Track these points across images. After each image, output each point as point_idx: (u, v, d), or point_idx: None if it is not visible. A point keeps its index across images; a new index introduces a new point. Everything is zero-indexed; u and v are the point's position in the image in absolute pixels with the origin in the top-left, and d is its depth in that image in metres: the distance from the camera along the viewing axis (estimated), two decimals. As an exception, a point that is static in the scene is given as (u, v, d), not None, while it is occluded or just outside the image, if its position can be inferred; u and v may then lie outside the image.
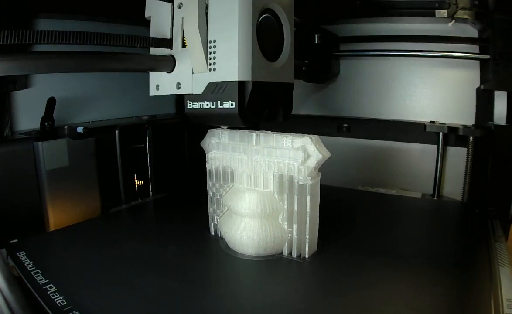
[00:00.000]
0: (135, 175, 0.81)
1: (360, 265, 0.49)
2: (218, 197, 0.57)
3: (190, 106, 0.49)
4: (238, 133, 0.53)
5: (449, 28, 0.82)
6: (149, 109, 0.93)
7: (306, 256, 0.50)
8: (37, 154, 0.63)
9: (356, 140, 0.98)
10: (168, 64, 0.50)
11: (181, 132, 0.91)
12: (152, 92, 0.54)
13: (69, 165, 0.67)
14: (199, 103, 0.48)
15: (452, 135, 0.85)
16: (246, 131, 0.53)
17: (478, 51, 0.81)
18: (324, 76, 0.96)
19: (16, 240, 0.54)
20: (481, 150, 0.80)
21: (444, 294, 0.43)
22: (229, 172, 0.55)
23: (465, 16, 0.78)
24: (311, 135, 0.49)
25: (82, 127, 0.70)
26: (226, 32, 0.45)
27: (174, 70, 0.50)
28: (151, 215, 0.75)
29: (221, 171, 0.56)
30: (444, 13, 0.79)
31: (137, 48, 0.46)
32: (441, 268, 0.48)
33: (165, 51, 0.50)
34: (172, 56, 0.50)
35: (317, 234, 0.51)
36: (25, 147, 0.62)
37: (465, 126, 0.82)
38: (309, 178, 0.48)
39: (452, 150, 0.87)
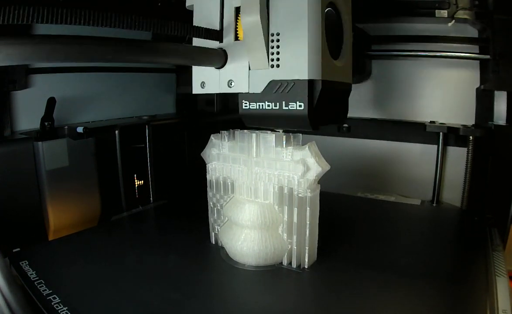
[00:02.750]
0: (135, 175, 0.81)
1: (358, 275, 0.49)
2: (219, 208, 0.56)
3: (246, 106, 0.45)
4: (238, 144, 0.53)
5: (449, 28, 0.82)
6: (149, 109, 0.93)
7: (306, 266, 0.50)
8: (37, 154, 0.63)
9: (356, 140, 0.98)
10: (219, 58, 0.45)
11: (181, 132, 0.91)
12: (197, 90, 0.49)
13: (69, 165, 0.66)
14: (259, 103, 0.44)
15: (452, 135, 0.85)
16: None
17: (478, 51, 0.81)
18: (358, 77, 0.92)
19: (19, 249, 0.54)
20: (481, 150, 0.80)
21: (441, 305, 0.43)
22: (229, 183, 0.54)
23: (465, 16, 0.78)
24: (310, 144, 0.48)
25: (82, 127, 0.70)
26: (292, 24, 0.40)
27: (225, 66, 0.45)
28: (153, 224, 0.75)
29: (221, 182, 0.55)
30: (444, 13, 0.79)
31: (182, 38, 0.42)
32: (438, 278, 0.48)
33: (213, 44, 0.45)
34: (223, 50, 0.45)
35: (317, 245, 0.51)
36: (25, 147, 0.62)
37: (465, 126, 0.82)
38: (309, 190, 0.48)
39: (452, 150, 0.87)
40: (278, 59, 0.42)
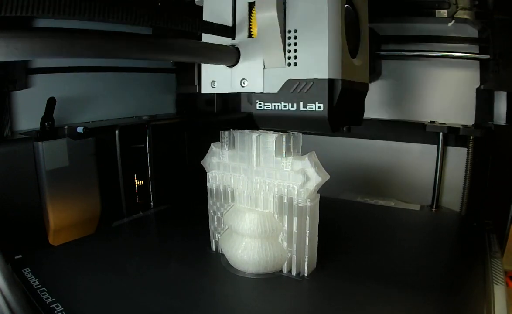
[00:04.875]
0: (135, 175, 0.81)
1: (357, 283, 0.49)
2: (219, 216, 0.56)
3: (260, 107, 0.43)
4: (238, 153, 0.52)
5: (449, 28, 0.82)
6: (149, 109, 0.93)
7: (305, 274, 0.50)
8: (37, 154, 0.63)
9: (356, 140, 0.98)
10: (231, 56, 0.42)
11: (181, 132, 0.91)
12: (206, 89, 0.46)
13: (69, 165, 0.66)
14: (274, 104, 0.42)
15: (452, 135, 0.85)
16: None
17: (478, 51, 0.81)
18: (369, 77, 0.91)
19: (21, 256, 0.54)
20: (481, 150, 0.80)
21: None
22: (229, 192, 0.54)
23: (465, 16, 0.78)
24: (309, 154, 0.48)
25: (82, 127, 0.70)
26: (311, 21, 0.38)
27: (237, 64, 0.43)
28: (154, 230, 0.75)
29: (221, 190, 0.55)
30: (444, 13, 0.79)
31: (193, 34, 0.39)
32: (436, 286, 0.48)
33: (224, 42, 0.43)
34: (236, 48, 0.43)
35: (316, 252, 0.51)
36: (25, 147, 0.62)
37: (465, 126, 0.82)
38: (308, 200, 0.47)
39: (452, 151, 0.87)
40: (295, 57, 0.40)
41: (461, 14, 0.78)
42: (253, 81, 0.43)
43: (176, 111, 1.02)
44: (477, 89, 0.84)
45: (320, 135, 1.00)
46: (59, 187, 0.65)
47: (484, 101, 0.83)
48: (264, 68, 0.42)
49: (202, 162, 0.57)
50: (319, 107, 0.39)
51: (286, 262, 0.51)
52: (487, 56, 0.78)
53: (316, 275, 0.51)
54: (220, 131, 0.54)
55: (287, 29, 0.40)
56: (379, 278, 0.50)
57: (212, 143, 0.56)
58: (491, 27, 0.76)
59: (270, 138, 0.49)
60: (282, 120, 0.42)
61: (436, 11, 0.79)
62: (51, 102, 0.66)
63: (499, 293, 0.46)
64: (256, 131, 0.51)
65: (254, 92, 0.43)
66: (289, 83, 0.40)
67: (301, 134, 0.49)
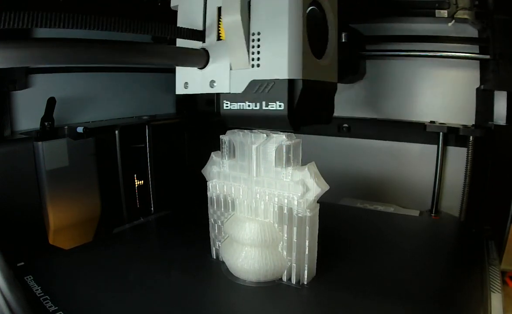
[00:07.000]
0: (135, 175, 0.81)
1: (356, 290, 0.49)
2: (220, 224, 0.56)
3: (227, 106, 0.44)
4: (238, 163, 0.52)
5: (449, 28, 0.82)
6: (149, 109, 0.93)
7: (305, 283, 0.50)
8: (37, 154, 0.63)
9: (356, 140, 0.98)
10: (201, 58, 0.45)
11: (181, 132, 0.91)
12: (180, 90, 0.48)
13: (69, 165, 0.67)
14: (239, 103, 0.43)
15: (452, 135, 0.85)
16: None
17: (478, 51, 0.81)
18: (352, 77, 0.92)
19: (23, 263, 0.54)
20: (481, 150, 0.80)
21: None
22: (229, 201, 0.54)
23: (465, 16, 0.78)
24: (309, 165, 0.48)
25: (82, 127, 0.70)
26: (273, 24, 0.40)
27: (207, 66, 0.45)
28: (155, 237, 0.75)
29: (222, 199, 0.55)
30: (444, 13, 0.79)
31: (166, 39, 0.42)
32: (434, 294, 0.49)
33: (196, 45, 0.45)
34: (206, 50, 0.45)
35: (316, 261, 0.51)
36: (25, 147, 0.62)
37: (465, 126, 0.82)
38: (308, 210, 0.47)
39: (452, 153, 0.87)
40: (258, 59, 0.41)
41: (461, 14, 0.77)
42: (221, 82, 0.44)
43: (176, 111, 1.03)
44: (477, 89, 0.84)
45: (320, 135, 1.00)
46: (59, 187, 0.66)
47: (484, 101, 0.83)
48: (230, 69, 0.44)
49: (202, 171, 0.57)
50: (280, 106, 0.41)
51: (286, 271, 0.51)
52: (487, 56, 0.78)
53: (316, 283, 0.51)
54: (220, 138, 0.54)
55: (251, 32, 0.42)
56: (378, 286, 0.50)
57: (212, 152, 0.56)
58: (491, 27, 0.76)
59: (270, 149, 0.49)
60: (247, 119, 0.44)
61: (436, 11, 0.79)
62: (51, 102, 0.66)
63: (496, 301, 0.46)
64: (256, 141, 0.51)
65: (222, 92, 0.45)
66: (252, 83, 0.42)
67: (301, 144, 0.49)
